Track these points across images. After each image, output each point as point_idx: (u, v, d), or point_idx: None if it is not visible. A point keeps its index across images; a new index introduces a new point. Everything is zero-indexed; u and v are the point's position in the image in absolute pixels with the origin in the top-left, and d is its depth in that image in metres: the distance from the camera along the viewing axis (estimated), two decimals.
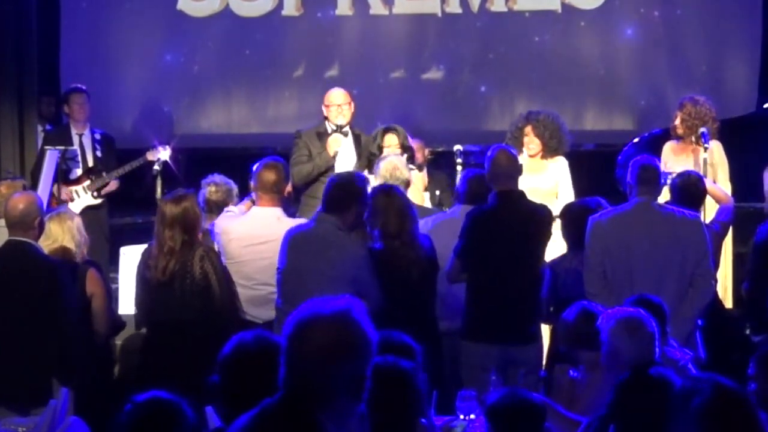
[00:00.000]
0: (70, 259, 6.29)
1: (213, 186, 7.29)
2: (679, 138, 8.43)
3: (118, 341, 7.27)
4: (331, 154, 8.07)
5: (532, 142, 8.09)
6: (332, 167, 8.03)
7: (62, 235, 6.32)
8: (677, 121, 8.40)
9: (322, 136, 8.17)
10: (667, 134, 8.74)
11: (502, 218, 6.31)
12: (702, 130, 8.21)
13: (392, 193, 6.32)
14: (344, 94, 8.31)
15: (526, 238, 6.33)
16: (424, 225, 6.82)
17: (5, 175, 8.48)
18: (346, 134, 8.18)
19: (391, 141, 8.14)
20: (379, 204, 6.22)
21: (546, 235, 6.43)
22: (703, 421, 3.81)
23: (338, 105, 8.21)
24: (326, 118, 8.27)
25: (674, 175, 7.55)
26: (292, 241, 6.17)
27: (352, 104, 8.30)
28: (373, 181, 7.33)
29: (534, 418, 4.27)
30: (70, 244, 6.35)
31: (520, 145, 8.09)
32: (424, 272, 6.26)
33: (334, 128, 8.17)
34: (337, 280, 5.83)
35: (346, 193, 6.14)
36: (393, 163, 7.30)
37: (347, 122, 8.22)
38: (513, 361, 6.21)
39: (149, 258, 6.16)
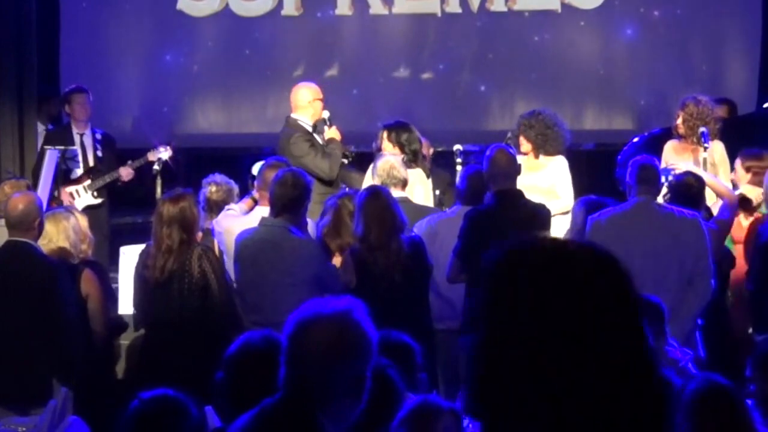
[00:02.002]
0: (65, 260, 6.29)
1: (214, 185, 7.29)
2: (680, 137, 8.43)
3: (124, 341, 7.27)
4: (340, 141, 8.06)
5: (522, 141, 8.16)
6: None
7: (57, 235, 6.31)
8: (679, 120, 8.39)
9: (308, 132, 8.11)
10: (666, 134, 8.73)
11: (501, 218, 6.30)
12: (702, 129, 8.21)
13: (379, 194, 6.25)
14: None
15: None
16: (425, 224, 6.80)
17: (5, 176, 8.48)
18: (327, 122, 8.12)
19: (383, 136, 8.13)
20: (365, 205, 6.16)
21: (544, 234, 6.43)
22: (692, 414, 3.86)
23: (322, 99, 8.18)
24: (289, 117, 8.15)
25: (676, 171, 7.57)
26: (245, 252, 6.10)
27: None
28: (371, 180, 7.33)
29: None
30: (65, 245, 6.35)
31: (519, 145, 8.14)
32: (410, 274, 6.16)
33: (324, 122, 8.10)
34: (300, 286, 5.80)
35: (301, 190, 6.08)
36: (389, 162, 7.28)
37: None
38: None
39: (147, 258, 6.15)
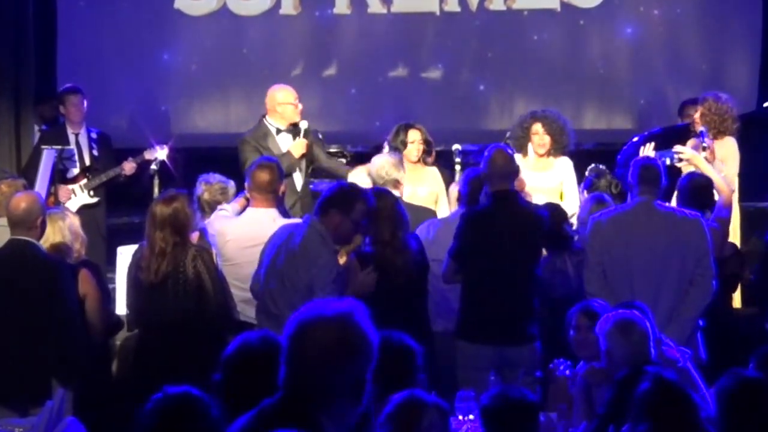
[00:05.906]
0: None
1: (204, 185, 7.23)
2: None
3: (117, 341, 7.25)
4: (297, 157, 8.01)
5: (542, 140, 8.05)
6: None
7: (53, 235, 6.31)
8: (697, 116, 8.33)
9: (268, 137, 8.07)
10: (666, 133, 8.71)
11: (497, 219, 6.27)
12: (701, 128, 8.18)
13: (384, 197, 6.20)
14: (294, 92, 8.25)
15: (521, 239, 6.28)
16: (425, 230, 6.75)
17: (2, 175, 8.45)
18: (301, 133, 8.09)
19: (414, 136, 8.12)
20: (376, 207, 6.11)
21: (541, 236, 6.38)
22: (642, 410, 3.93)
23: (296, 103, 8.14)
24: (264, 116, 8.15)
25: (680, 155, 7.54)
26: (282, 244, 5.94)
27: None
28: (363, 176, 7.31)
29: (527, 416, 4.27)
30: (62, 244, 6.33)
31: (526, 145, 8.06)
32: (412, 277, 6.12)
33: (291, 127, 8.08)
34: (308, 290, 5.70)
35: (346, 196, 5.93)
36: (378, 163, 7.26)
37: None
38: (507, 362, 6.16)
39: (141, 259, 6.10)
